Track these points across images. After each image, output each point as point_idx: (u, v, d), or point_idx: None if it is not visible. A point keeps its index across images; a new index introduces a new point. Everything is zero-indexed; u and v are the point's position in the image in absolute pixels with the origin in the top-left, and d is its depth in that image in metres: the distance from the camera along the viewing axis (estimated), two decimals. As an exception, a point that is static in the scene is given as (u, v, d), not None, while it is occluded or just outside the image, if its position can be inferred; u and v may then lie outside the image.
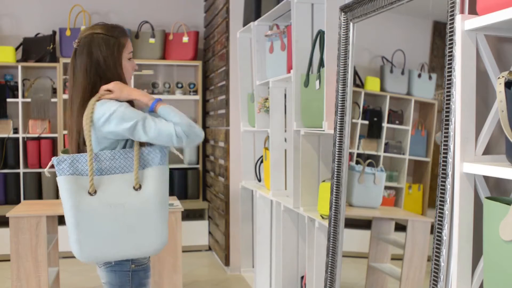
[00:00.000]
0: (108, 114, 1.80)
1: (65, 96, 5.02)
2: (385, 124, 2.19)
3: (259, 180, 3.97)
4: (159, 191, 1.85)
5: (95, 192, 1.80)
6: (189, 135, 1.82)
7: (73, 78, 1.90)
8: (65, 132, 4.75)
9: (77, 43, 1.91)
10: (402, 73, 2.10)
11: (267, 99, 3.55)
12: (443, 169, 1.67)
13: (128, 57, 1.96)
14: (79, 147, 1.89)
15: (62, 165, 1.81)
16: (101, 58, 1.88)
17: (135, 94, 1.88)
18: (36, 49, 5.00)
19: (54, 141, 5.11)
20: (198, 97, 5.35)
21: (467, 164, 1.57)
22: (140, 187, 1.83)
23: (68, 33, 5.01)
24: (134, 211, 1.81)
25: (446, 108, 1.67)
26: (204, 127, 5.47)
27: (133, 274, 1.90)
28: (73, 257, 1.86)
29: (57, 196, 4.90)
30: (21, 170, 4.98)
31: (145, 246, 1.85)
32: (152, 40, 5.19)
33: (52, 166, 1.84)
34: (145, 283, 1.95)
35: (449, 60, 1.66)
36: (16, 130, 5.01)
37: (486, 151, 1.63)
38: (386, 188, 2.18)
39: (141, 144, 1.87)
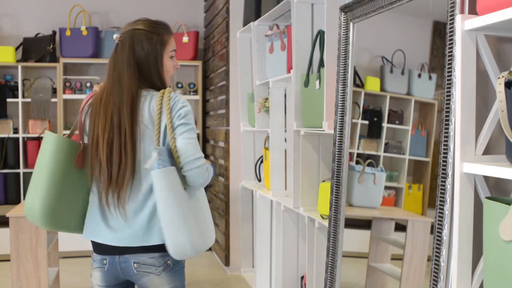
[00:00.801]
0: (189, 107, 1.84)
1: (65, 96, 5.02)
2: (385, 124, 2.19)
3: (259, 180, 3.97)
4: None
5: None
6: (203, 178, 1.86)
7: (113, 74, 1.85)
8: (66, 131, 4.75)
9: (119, 39, 1.87)
10: (402, 73, 2.10)
11: (267, 99, 3.55)
12: (443, 169, 1.67)
13: (170, 55, 1.92)
14: (126, 144, 1.80)
15: (164, 156, 1.77)
16: (143, 54, 1.85)
17: None
18: (36, 49, 5.00)
19: (54, 141, 5.11)
20: (198, 97, 5.35)
21: (467, 164, 1.57)
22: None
23: (68, 33, 5.01)
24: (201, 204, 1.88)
25: (446, 108, 1.67)
26: (204, 127, 5.48)
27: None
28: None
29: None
30: (21, 170, 4.98)
31: (210, 238, 1.87)
32: (152, 40, 5.18)
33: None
34: None
35: (449, 60, 1.66)
36: (16, 130, 5.01)
37: (486, 151, 1.63)
38: (386, 188, 2.18)
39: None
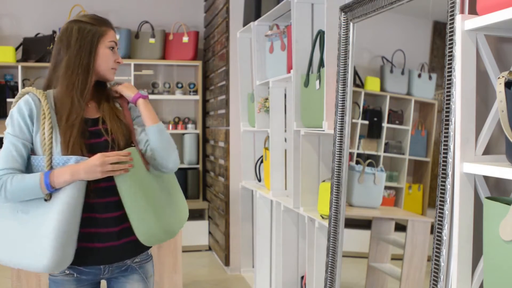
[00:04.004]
0: (11, 111, 1.77)
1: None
2: (385, 124, 2.19)
3: (259, 180, 3.97)
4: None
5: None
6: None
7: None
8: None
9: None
10: (402, 73, 2.10)
11: (267, 99, 3.55)
12: (443, 169, 1.67)
13: (108, 45, 1.80)
14: None
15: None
16: (70, 45, 1.76)
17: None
18: (36, 49, 5.00)
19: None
20: (198, 97, 5.35)
21: (467, 164, 1.57)
22: (50, 197, 1.70)
23: (68, 33, 5.00)
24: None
25: (446, 108, 1.67)
26: (204, 127, 5.48)
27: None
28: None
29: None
30: (21, 170, 4.97)
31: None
32: (152, 40, 5.19)
33: None
34: None
35: (449, 60, 1.66)
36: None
37: (486, 151, 1.63)
38: (386, 188, 2.17)
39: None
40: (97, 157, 1.69)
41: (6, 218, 1.73)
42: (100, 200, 1.75)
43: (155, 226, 1.78)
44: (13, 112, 1.73)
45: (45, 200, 1.69)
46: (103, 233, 1.76)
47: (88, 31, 1.78)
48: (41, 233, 1.66)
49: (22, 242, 1.68)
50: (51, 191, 1.67)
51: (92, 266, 1.79)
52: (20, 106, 1.73)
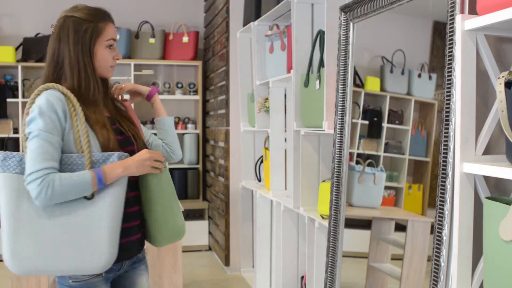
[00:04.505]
0: (34, 112, 1.64)
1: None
2: (385, 124, 2.19)
3: (259, 180, 3.97)
4: (113, 203, 1.65)
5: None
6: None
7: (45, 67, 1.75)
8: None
9: (54, 27, 1.74)
10: (402, 73, 2.10)
11: (267, 99, 3.55)
12: (443, 169, 1.67)
13: (106, 44, 1.74)
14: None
15: (9, 161, 1.61)
16: (67, 44, 1.69)
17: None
18: (36, 49, 5.00)
19: (54, 141, 5.11)
20: (198, 97, 5.35)
21: (467, 164, 1.57)
22: (93, 196, 1.63)
23: (68, 33, 5.00)
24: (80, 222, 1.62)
25: (446, 108, 1.67)
26: (204, 127, 5.48)
27: None
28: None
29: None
30: (21, 170, 4.97)
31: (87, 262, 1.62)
32: (152, 40, 5.19)
33: None
34: None
35: (449, 60, 1.66)
36: (16, 130, 5.01)
37: (486, 151, 1.63)
38: (386, 188, 2.17)
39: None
40: (145, 152, 1.72)
41: (44, 228, 1.60)
42: (128, 195, 1.73)
43: (177, 225, 1.83)
44: (42, 107, 1.61)
45: (88, 198, 1.62)
46: (131, 227, 1.77)
47: (85, 30, 1.70)
48: (94, 233, 1.61)
49: (74, 247, 1.60)
50: (101, 188, 1.63)
51: (118, 263, 1.75)
52: (51, 101, 1.62)
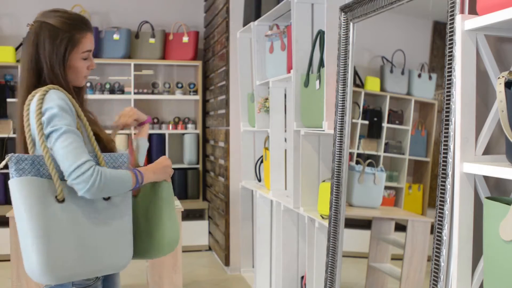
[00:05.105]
0: (54, 109, 1.58)
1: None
2: (385, 124, 2.19)
3: (259, 180, 3.97)
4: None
5: (64, 199, 1.54)
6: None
7: (20, 70, 1.69)
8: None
9: (30, 26, 1.69)
10: (402, 73, 2.10)
11: (267, 99, 3.55)
12: (443, 169, 1.67)
13: (82, 57, 1.68)
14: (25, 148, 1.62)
15: (22, 164, 1.53)
16: (44, 53, 1.64)
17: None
18: (36, 49, 4.99)
19: (54, 141, 5.11)
20: (198, 97, 5.35)
21: (467, 164, 1.57)
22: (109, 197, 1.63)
23: (68, 33, 5.00)
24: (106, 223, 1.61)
25: (446, 108, 1.67)
26: (204, 127, 5.48)
27: None
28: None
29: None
30: (21, 170, 4.97)
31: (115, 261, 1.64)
32: (152, 40, 5.19)
33: (6, 166, 1.55)
34: None
35: (449, 60, 1.66)
36: (16, 130, 5.00)
37: (486, 151, 1.63)
38: (386, 188, 2.17)
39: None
40: (166, 159, 1.79)
41: (83, 230, 1.57)
42: None
43: (175, 234, 1.82)
44: (61, 104, 1.56)
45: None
46: None
47: (61, 40, 1.65)
48: (125, 230, 1.66)
49: (114, 246, 1.62)
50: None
51: None
52: (64, 98, 1.58)
